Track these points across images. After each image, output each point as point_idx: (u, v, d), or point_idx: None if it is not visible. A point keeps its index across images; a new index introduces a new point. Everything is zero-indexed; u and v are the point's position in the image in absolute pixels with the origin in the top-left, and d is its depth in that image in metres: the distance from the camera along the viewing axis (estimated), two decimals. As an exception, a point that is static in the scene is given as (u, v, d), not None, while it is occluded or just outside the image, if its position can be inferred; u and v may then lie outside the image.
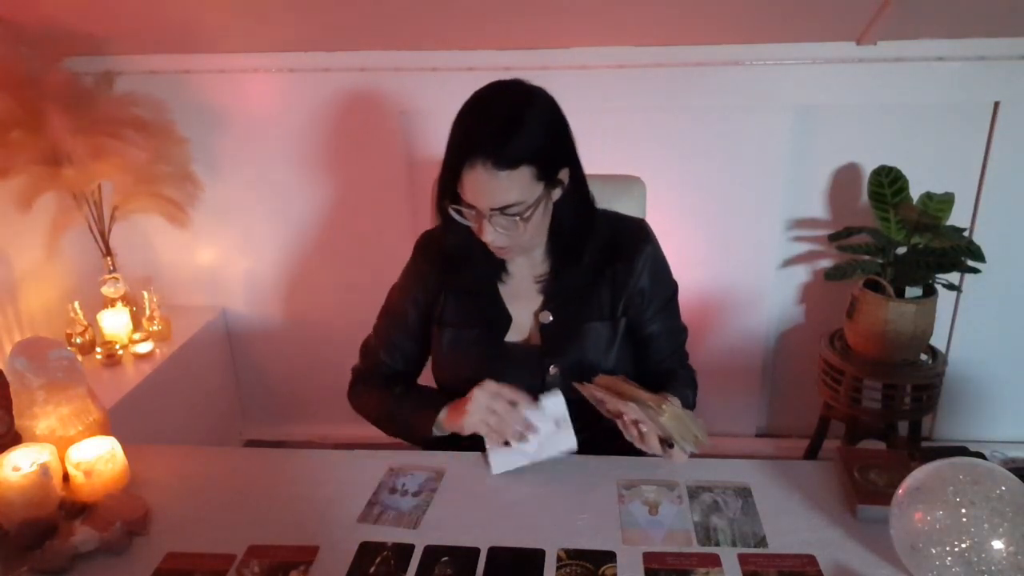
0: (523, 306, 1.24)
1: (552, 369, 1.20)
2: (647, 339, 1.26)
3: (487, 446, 1.14)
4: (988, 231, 2.07)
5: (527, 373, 1.19)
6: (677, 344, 1.30)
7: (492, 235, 1.10)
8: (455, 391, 1.24)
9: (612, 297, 1.22)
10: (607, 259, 1.22)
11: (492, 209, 1.06)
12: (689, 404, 1.24)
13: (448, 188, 1.10)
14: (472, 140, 1.04)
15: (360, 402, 1.33)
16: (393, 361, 1.32)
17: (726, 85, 2.00)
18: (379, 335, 1.33)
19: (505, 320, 1.23)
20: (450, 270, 1.23)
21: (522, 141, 1.03)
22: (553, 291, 1.22)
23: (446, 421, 1.18)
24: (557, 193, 1.13)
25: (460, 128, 1.07)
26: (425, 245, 1.30)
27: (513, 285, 1.24)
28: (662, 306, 1.25)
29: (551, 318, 1.22)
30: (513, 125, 1.03)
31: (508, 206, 1.06)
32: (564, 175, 1.13)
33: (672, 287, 1.29)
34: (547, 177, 1.09)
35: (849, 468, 1.08)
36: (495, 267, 1.23)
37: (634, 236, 1.24)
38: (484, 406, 1.12)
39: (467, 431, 1.14)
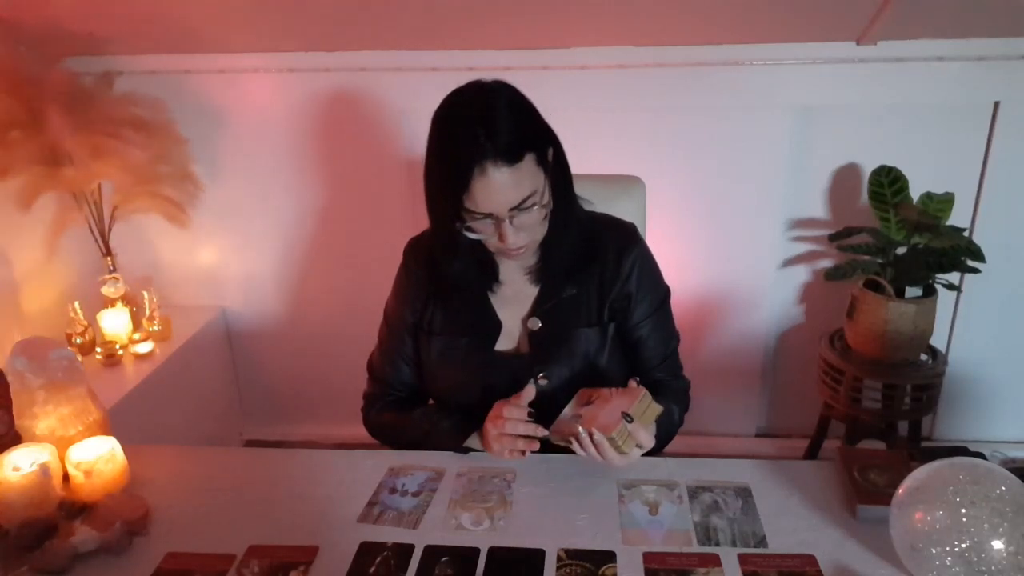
0: (512, 312, 1.23)
1: (542, 377, 1.18)
2: (636, 344, 1.24)
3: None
4: (988, 231, 2.07)
5: (517, 381, 1.17)
6: (668, 351, 1.27)
7: (513, 236, 1.07)
8: (448, 399, 1.24)
9: (599, 300, 1.21)
10: (594, 260, 1.20)
11: (511, 209, 1.05)
12: (674, 421, 1.23)
13: (452, 210, 1.06)
14: (472, 148, 1.01)
15: (377, 429, 1.31)
16: (403, 386, 1.31)
17: (726, 85, 2.00)
18: (384, 361, 1.31)
19: (495, 327, 1.22)
20: (442, 280, 1.21)
21: (515, 131, 1.03)
22: (541, 296, 1.21)
23: (481, 445, 1.18)
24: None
25: (449, 143, 1.04)
26: (414, 252, 1.28)
27: (502, 291, 1.23)
28: (651, 310, 1.23)
29: (539, 324, 1.21)
30: (499, 119, 1.02)
31: (525, 199, 1.05)
32: (550, 155, 1.12)
33: (663, 291, 1.27)
34: (543, 161, 1.08)
35: (849, 468, 1.08)
36: (489, 277, 1.21)
37: (622, 238, 1.23)
38: (496, 439, 1.12)
39: (499, 457, 1.14)
